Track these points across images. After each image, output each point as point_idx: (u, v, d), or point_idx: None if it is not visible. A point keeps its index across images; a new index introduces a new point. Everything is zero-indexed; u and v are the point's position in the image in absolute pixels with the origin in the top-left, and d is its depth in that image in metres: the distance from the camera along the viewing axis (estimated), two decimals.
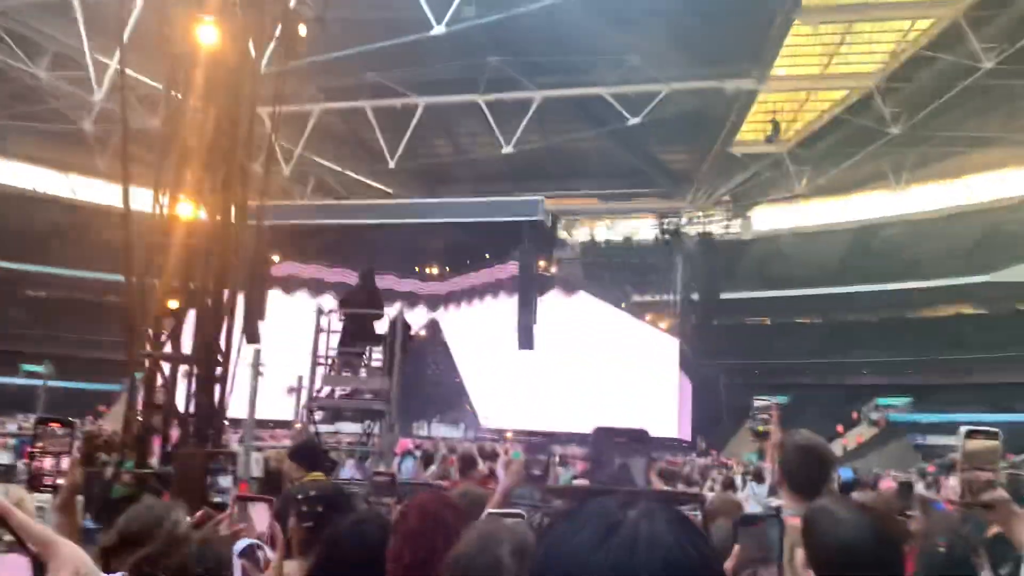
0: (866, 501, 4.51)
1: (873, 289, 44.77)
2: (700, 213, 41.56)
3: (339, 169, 38.65)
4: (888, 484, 16.91)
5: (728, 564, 1.50)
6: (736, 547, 1.51)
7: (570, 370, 35.91)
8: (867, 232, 47.85)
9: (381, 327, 10.23)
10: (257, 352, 8.38)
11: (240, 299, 7.78)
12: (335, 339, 10.14)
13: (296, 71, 25.82)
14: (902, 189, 43.54)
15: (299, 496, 2.94)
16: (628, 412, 35.75)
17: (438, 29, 24.50)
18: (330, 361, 9.88)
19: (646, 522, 0.72)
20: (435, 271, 39.00)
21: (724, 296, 39.18)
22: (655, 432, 33.52)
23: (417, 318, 35.82)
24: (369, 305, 10.00)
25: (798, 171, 36.98)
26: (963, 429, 1.93)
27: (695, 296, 37.40)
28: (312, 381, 9.30)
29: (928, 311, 46.31)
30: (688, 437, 36.67)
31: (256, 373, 8.29)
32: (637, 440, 0.91)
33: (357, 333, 9.80)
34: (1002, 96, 31.68)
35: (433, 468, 12.52)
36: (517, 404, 36.14)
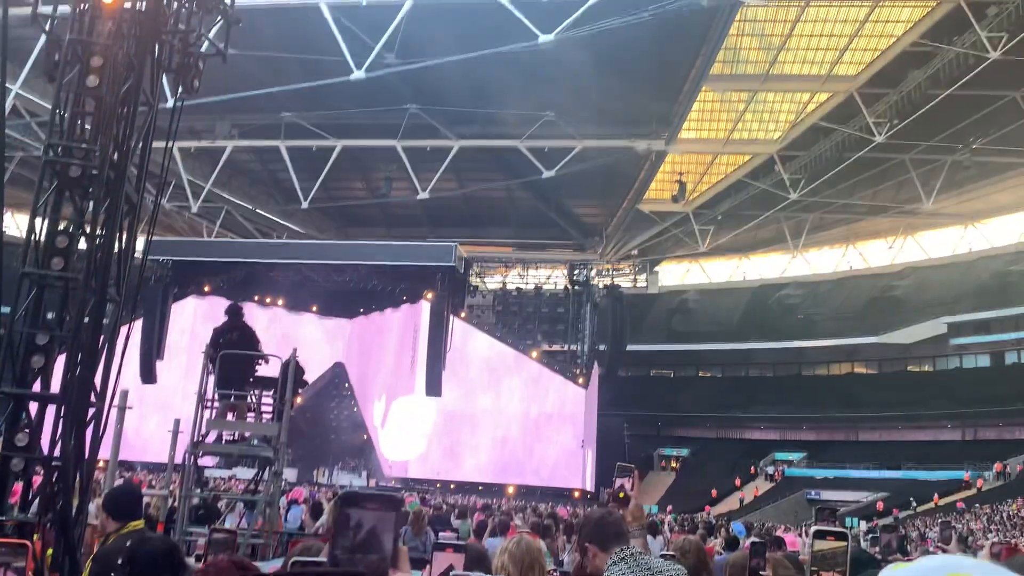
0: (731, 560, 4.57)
1: (770, 346, 46.46)
2: (609, 266, 42.49)
3: (250, 207, 37.85)
4: (790, 538, 17.17)
5: None
6: None
7: (477, 418, 35.64)
8: (766, 291, 49.83)
9: (271, 369, 9.90)
10: (124, 392, 7.98)
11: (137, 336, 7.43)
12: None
13: (210, 108, 25.31)
14: (799, 252, 45.63)
15: (114, 557, 2.72)
16: (533, 462, 35.67)
17: (358, 74, 24.50)
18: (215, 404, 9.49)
19: None
20: (344, 313, 38.20)
21: (630, 348, 39.86)
22: (560, 483, 33.27)
23: (323, 361, 34.99)
24: (240, 344, 9.62)
25: (702, 230, 38.32)
26: (813, 529, 1.90)
27: (602, 347, 37.89)
28: (196, 424, 8.89)
29: (822, 369, 48.26)
30: (592, 487, 36.70)
31: (122, 415, 7.88)
32: (389, 506, 0.85)
33: (233, 374, 9.43)
34: (892, 168, 33.76)
35: (324, 519, 12.07)
36: (422, 452, 35.53)
